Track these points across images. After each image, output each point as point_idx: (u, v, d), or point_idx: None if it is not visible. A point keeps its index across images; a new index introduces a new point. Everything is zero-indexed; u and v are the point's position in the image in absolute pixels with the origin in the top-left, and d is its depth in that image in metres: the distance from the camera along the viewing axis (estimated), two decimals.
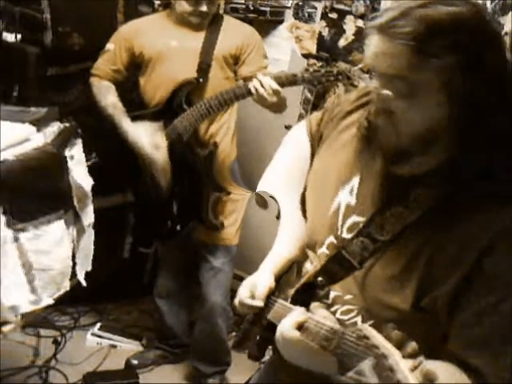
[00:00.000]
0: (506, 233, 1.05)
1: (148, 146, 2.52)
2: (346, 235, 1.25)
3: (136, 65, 2.69)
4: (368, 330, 0.97)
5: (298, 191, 1.48)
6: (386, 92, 1.10)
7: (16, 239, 1.70)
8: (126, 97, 2.71)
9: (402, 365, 0.87)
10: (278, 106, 2.47)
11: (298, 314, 1.19)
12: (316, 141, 1.48)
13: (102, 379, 2.84)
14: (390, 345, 0.92)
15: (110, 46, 2.68)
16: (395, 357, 0.89)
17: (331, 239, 1.28)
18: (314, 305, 1.25)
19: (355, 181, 1.27)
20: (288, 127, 2.89)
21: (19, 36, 2.74)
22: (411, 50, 1.04)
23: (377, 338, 0.94)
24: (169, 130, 2.56)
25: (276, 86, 2.30)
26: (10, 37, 2.72)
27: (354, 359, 0.96)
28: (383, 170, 1.20)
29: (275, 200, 1.51)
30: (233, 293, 2.64)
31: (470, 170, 1.09)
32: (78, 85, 2.91)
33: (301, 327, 1.15)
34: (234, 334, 2.89)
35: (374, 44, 1.10)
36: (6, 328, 1.86)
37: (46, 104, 2.24)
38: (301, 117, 3.05)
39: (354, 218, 1.24)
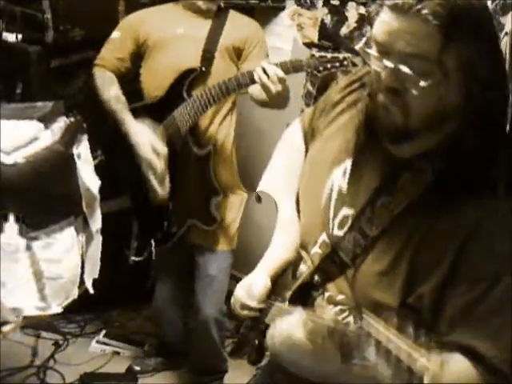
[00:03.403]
0: (485, 222, 1.06)
1: (148, 151, 2.45)
2: (338, 232, 1.24)
3: (140, 55, 2.64)
4: (365, 321, 1.06)
5: (294, 192, 1.48)
6: (404, 70, 1.06)
7: (29, 248, 1.65)
8: (128, 88, 2.65)
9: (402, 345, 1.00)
10: (282, 98, 2.36)
11: (300, 313, 1.19)
12: (309, 136, 1.47)
13: (100, 380, 2.80)
14: (387, 331, 1.03)
15: (115, 34, 2.64)
16: (393, 340, 1.01)
17: (323, 238, 1.28)
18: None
19: (348, 163, 1.26)
20: None
21: (20, 36, 2.70)
22: (434, 29, 1.03)
23: (374, 326, 1.04)
24: (167, 121, 2.50)
25: (281, 74, 2.23)
26: (10, 37, 2.69)
27: (356, 348, 1.05)
28: (378, 152, 1.19)
29: (272, 200, 1.50)
30: (229, 294, 2.60)
31: (469, 145, 1.09)
32: (80, 76, 2.87)
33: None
34: (231, 340, 2.90)
35: (387, 22, 1.07)
36: (5, 328, 1.81)
37: (50, 99, 2.16)
38: (303, 112, 3.01)
39: (345, 211, 1.24)
